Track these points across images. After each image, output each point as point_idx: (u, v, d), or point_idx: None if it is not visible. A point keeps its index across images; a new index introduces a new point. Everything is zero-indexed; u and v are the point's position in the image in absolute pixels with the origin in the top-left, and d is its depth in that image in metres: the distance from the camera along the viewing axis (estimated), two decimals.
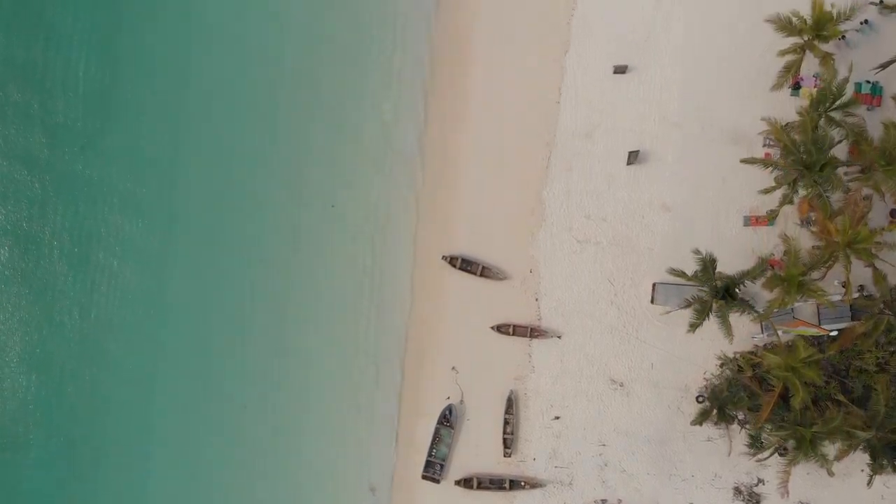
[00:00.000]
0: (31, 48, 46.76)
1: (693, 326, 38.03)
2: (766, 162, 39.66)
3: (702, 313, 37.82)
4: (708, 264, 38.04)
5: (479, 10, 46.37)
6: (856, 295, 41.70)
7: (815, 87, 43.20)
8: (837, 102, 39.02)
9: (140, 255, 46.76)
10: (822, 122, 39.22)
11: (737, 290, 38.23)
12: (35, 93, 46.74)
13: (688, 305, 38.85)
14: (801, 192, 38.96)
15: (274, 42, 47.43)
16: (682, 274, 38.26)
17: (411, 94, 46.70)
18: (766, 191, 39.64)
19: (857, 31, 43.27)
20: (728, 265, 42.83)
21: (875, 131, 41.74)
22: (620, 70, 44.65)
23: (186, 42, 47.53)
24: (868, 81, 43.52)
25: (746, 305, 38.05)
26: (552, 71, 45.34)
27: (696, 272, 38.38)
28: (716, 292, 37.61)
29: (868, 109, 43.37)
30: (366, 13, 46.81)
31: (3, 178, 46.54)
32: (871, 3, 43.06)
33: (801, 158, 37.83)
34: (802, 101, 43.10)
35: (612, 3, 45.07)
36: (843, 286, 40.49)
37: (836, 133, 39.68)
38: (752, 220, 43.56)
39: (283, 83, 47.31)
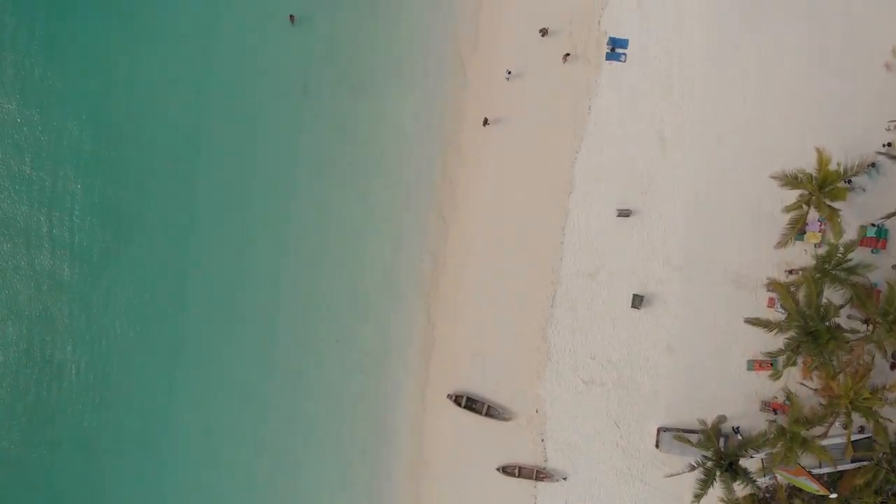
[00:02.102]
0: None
1: (697, 497, 38.28)
2: (770, 325, 39.93)
3: (706, 484, 38.12)
4: (712, 434, 38.33)
5: (484, 155, 46.79)
6: (856, 435, 42.04)
7: (820, 231, 43.67)
8: (844, 265, 39.40)
9: None
10: (826, 280, 39.64)
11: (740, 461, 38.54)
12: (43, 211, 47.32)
13: (692, 469, 39.14)
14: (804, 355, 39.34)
15: (283, 179, 47.80)
16: (687, 441, 38.54)
17: (415, 234, 47.07)
18: (771, 357, 39.93)
19: (864, 174, 43.65)
20: (731, 408, 43.69)
21: (879, 273, 42.71)
22: (624, 214, 45.03)
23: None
24: (873, 224, 43.96)
25: (749, 479, 38.35)
26: (556, 212, 45.72)
27: (699, 440, 38.69)
28: (720, 464, 37.88)
29: (873, 252, 43.85)
30: (371, 186, 47.39)
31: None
32: (878, 153, 43.53)
33: (804, 325, 38.15)
34: (807, 244, 43.74)
35: (616, 149, 45.44)
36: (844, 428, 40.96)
37: (840, 294, 40.07)
38: (755, 365, 43.85)
39: (287, 220, 47.61)
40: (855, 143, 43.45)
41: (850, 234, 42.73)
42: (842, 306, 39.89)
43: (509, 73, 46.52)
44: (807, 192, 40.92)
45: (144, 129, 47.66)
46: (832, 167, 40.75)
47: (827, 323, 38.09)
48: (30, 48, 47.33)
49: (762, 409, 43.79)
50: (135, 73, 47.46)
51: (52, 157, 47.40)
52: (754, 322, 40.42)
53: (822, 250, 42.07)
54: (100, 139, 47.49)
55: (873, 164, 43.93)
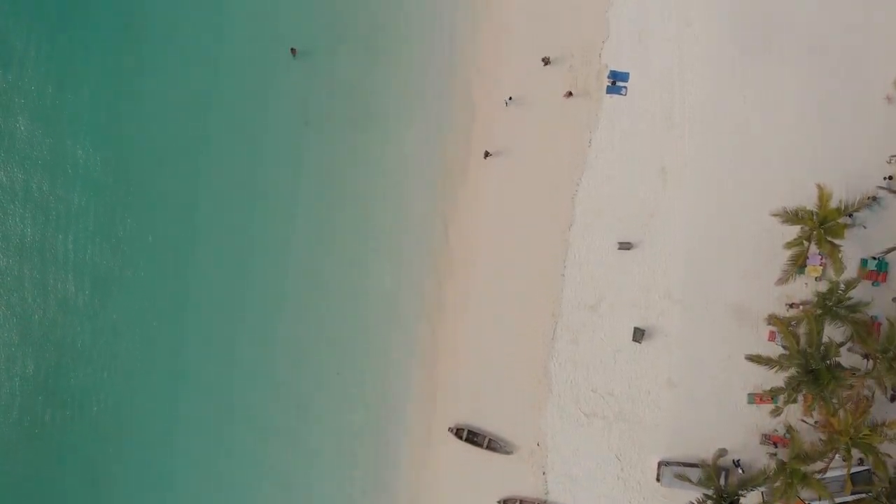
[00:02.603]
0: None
1: None
2: (771, 363, 40.02)
3: None
4: (712, 472, 38.46)
5: (485, 187, 46.87)
6: (856, 467, 42.08)
7: (820, 264, 43.76)
8: (844, 303, 39.50)
9: None
10: (827, 318, 39.76)
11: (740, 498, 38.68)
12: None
13: None
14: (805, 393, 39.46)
15: (285, 209, 47.86)
16: (688, 479, 38.67)
17: (416, 267, 47.13)
18: (773, 395, 40.02)
19: (865, 208, 43.68)
20: (732, 441, 43.81)
21: (879, 306, 42.83)
22: (625, 247, 45.10)
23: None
24: (874, 258, 44.08)
25: None
26: (557, 245, 45.80)
27: (700, 477, 38.82)
28: (720, 503, 38.03)
29: (874, 285, 43.97)
30: (372, 218, 47.53)
31: None
32: (880, 187, 43.59)
33: (805, 364, 38.27)
34: (808, 277, 43.84)
35: (617, 182, 45.52)
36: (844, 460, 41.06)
37: (841, 331, 40.19)
38: (756, 398, 43.97)
39: (288, 250, 47.62)
40: (856, 176, 43.69)
41: (852, 268, 43.05)
42: (842, 344, 39.97)
43: (510, 98, 46.62)
44: (807, 229, 41.11)
45: (147, 159, 47.76)
46: (833, 204, 40.95)
47: (827, 362, 38.21)
48: (31, 77, 47.57)
49: (762, 443, 43.90)
50: (138, 102, 47.58)
51: (56, 180, 47.64)
52: (755, 360, 40.50)
53: (823, 286, 42.20)
54: (104, 167, 47.61)
55: (874, 198, 44.05)
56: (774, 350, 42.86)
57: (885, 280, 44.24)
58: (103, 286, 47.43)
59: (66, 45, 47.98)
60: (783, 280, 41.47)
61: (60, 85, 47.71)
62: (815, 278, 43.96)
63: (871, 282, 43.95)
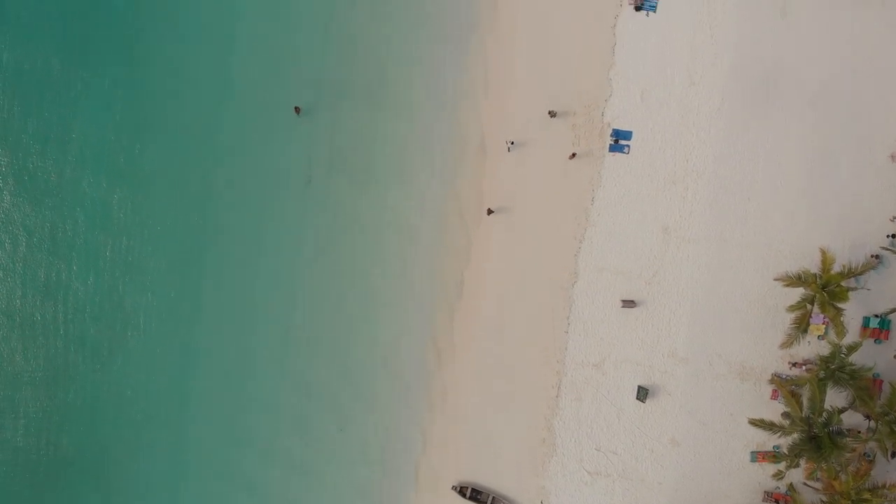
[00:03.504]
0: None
1: None
2: (774, 428, 40.23)
3: None
4: None
5: (488, 244, 46.97)
6: None
7: (823, 323, 43.87)
8: (846, 369, 39.74)
9: None
10: (829, 383, 40.01)
11: None
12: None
13: None
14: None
15: (287, 266, 47.84)
16: None
17: (419, 323, 47.20)
18: (775, 461, 40.26)
19: (868, 270, 43.74)
20: (735, 499, 44.10)
21: (880, 362, 43.12)
22: (629, 304, 45.26)
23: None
24: (876, 316, 44.32)
25: None
26: (561, 302, 45.93)
27: None
28: None
29: (876, 342, 44.22)
30: (374, 275, 47.52)
31: None
32: (883, 248, 43.86)
33: (807, 431, 38.47)
34: (811, 335, 44.06)
35: (620, 240, 45.68)
36: None
37: (843, 395, 40.43)
38: (758, 457, 44.17)
39: (292, 307, 47.63)
40: (859, 234, 44.24)
41: (854, 326, 43.39)
42: (844, 409, 40.26)
43: (511, 143, 46.82)
44: (810, 292, 41.38)
45: (152, 216, 47.67)
46: (836, 268, 41.31)
47: (829, 429, 38.44)
48: (31, 137, 47.68)
49: (765, 500, 44.14)
50: (142, 161, 47.57)
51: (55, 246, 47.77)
52: (758, 424, 40.77)
53: (825, 348, 42.44)
54: (108, 225, 47.63)
55: (877, 256, 44.36)
56: (777, 408, 43.17)
57: (887, 338, 44.46)
58: (106, 350, 47.47)
59: (71, 98, 47.84)
60: (787, 344, 41.74)
61: (62, 144, 47.64)
62: (818, 337, 44.16)
63: (873, 339, 44.26)
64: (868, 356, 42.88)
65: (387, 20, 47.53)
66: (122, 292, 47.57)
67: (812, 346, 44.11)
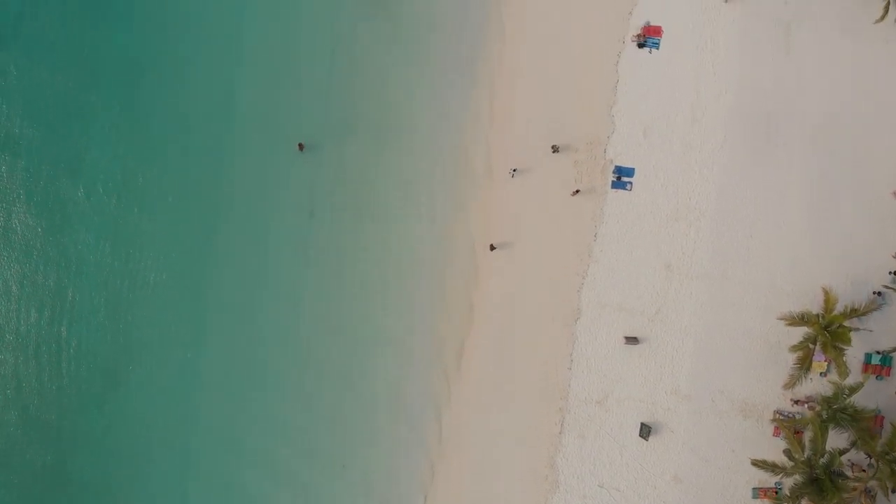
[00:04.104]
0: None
1: None
2: (776, 469, 40.40)
3: None
4: None
5: (491, 280, 47.14)
6: None
7: (825, 360, 44.02)
8: (848, 410, 39.95)
9: None
10: (831, 424, 40.22)
11: None
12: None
13: None
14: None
15: (290, 300, 48.01)
16: None
17: (423, 359, 47.29)
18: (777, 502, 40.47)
19: (871, 311, 43.70)
20: None
21: (881, 398, 43.26)
22: (632, 341, 45.38)
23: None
24: (878, 352, 44.47)
25: None
26: (564, 338, 46.02)
27: None
28: None
29: (878, 379, 44.40)
30: (377, 310, 47.62)
31: None
32: (886, 286, 44.10)
33: (809, 473, 38.71)
34: (813, 373, 44.21)
35: (623, 276, 45.79)
36: None
37: (845, 436, 40.64)
38: (760, 493, 44.23)
39: (295, 341, 47.77)
40: (862, 271, 44.41)
41: (855, 364, 43.56)
42: (846, 450, 40.45)
43: (514, 170, 46.90)
44: (813, 332, 41.58)
45: (155, 250, 47.85)
46: (839, 308, 41.49)
47: (831, 471, 38.64)
48: (35, 161, 47.87)
49: None
50: (145, 197, 47.82)
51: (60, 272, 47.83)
52: (760, 465, 40.97)
53: (827, 387, 42.59)
54: (111, 257, 47.80)
55: (879, 294, 44.55)
56: (779, 445, 43.27)
57: (888, 374, 44.65)
58: (108, 380, 47.51)
59: (75, 128, 48.15)
60: (790, 385, 41.99)
61: (69, 178, 47.84)
62: (821, 374, 44.31)
63: (874, 376, 44.46)
64: (869, 393, 42.90)
65: (391, 56, 47.78)
66: (125, 323, 47.54)
67: (814, 383, 44.24)
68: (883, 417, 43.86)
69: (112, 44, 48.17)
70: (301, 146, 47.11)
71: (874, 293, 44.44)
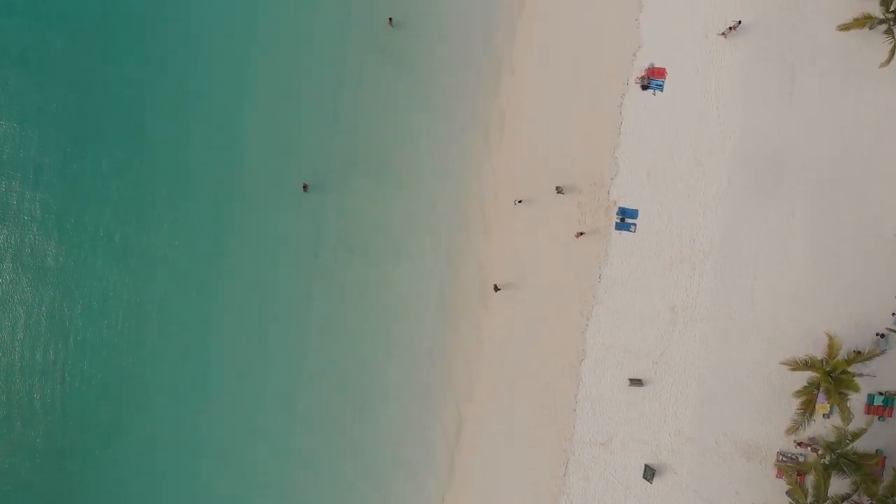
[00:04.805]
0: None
1: None
2: None
3: None
4: None
5: (495, 321, 47.15)
6: None
7: (828, 401, 44.15)
8: (851, 456, 40.13)
9: None
10: (834, 470, 40.42)
11: None
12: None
13: None
14: None
15: (294, 343, 48.11)
16: None
17: (426, 404, 47.42)
18: None
19: (872, 344, 44.19)
20: None
21: (883, 439, 43.43)
22: (636, 383, 45.52)
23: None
24: (881, 393, 44.62)
25: None
26: (568, 379, 46.12)
27: None
28: None
29: (880, 420, 44.57)
30: (381, 353, 47.69)
31: None
32: (889, 329, 44.26)
33: None
34: (817, 414, 44.36)
35: (627, 317, 45.88)
36: None
37: (847, 481, 40.84)
38: None
39: (299, 386, 47.80)
40: (865, 313, 44.51)
41: (857, 405, 43.66)
42: (849, 496, 40.65)
43: (519, 201, 46.95)
44: (816, 376, 41.73)
45: (158, 292, 47.94)
46: (842, 354, 41.62)
47: None
48: (35, 214, 47.96)
49: None
50: (150, 240, 47.88)
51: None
52: None
53: (830, 431, 42.75)
54: (113, 300, 47.87)
55: (882, 335, 44.68)
56: (782, 486, 43.48)
57: (891, 415, 44.82)
58: (112, 429, 47.67)
59: (75, 174, 48.11)
60: (793, 430, 42.04)
61: (68, 220, 47.91)
62: (824, 415, 44.48)
63: (877, 417, 44.64)
64: (871, 433, 42.93)
65: (396, 97, 47.67)
66: (127, 371, 47.60)
67: (817, 424, 44.34)
68: (885, 458, 44.09)
69: (115, 82, 47.94)
70: (305, 187, 47.14)
71: (877, 334, 44.61)
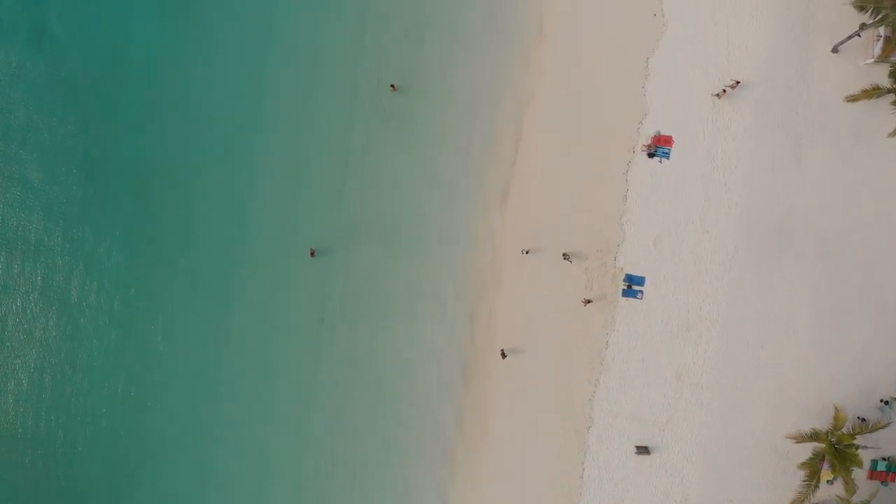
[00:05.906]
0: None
1: None
2: None
3: None
4: None
5: (502, 388, 47.07)
6: None
7: (832, 473, 44.48)
8: None
9: None
10: None
11: None
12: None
13: None
14: None
15: (301, 404, 47.94)
16: None
17: (431, 469, 47.35)
18: None
19: (876, 409, 44.82)
20: None
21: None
22: (643, 451, 45.63)
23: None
24: (884, 459, 44.97)
25: None
26: (575, 447, 46.16)
27: None
28: None
29: (883, 485, 44.91)
30: (386, 417, 47.53)
31: None
32: (893, 398, 44.47)
33: None
34: (822, 479, 44.57)
35: (634, 385, 45.95)
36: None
37: None
38: None
39: (306, 447, 47.67)
40: (869, 380, 44.90)
41: (860, 474, 43.97)
42: None
43: (527, 252, 46.93)
44: (822, 448, 41.96)
45: (164, 356, 47.85)
46: (847, 427, 41.83)
47: None
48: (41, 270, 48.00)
49: None
50: (156, 306, 47.88)
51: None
52: None
53: (835, 502, 43.09)
54: (119, 363, 47.88)
55: (886, 402, 44.96)
56: None
57: (894, 480, 45.28)
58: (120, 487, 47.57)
59: (78, 236, 48.10)
60: (798, 501, 42.21)
61: (81, 278, 47.89)
62: (827, 481, 44.73)
63: (880, 482, 44.98)
64: (875, 499, 43.50)
65: (403, 163, 47.63)
66: (131, 433, 47.61)
67: (822, 490, 44.62)
68: None
69: (119, 148, 47.89)
70: (312, 252, 47.02)
71: (881, 401, 44.95)
